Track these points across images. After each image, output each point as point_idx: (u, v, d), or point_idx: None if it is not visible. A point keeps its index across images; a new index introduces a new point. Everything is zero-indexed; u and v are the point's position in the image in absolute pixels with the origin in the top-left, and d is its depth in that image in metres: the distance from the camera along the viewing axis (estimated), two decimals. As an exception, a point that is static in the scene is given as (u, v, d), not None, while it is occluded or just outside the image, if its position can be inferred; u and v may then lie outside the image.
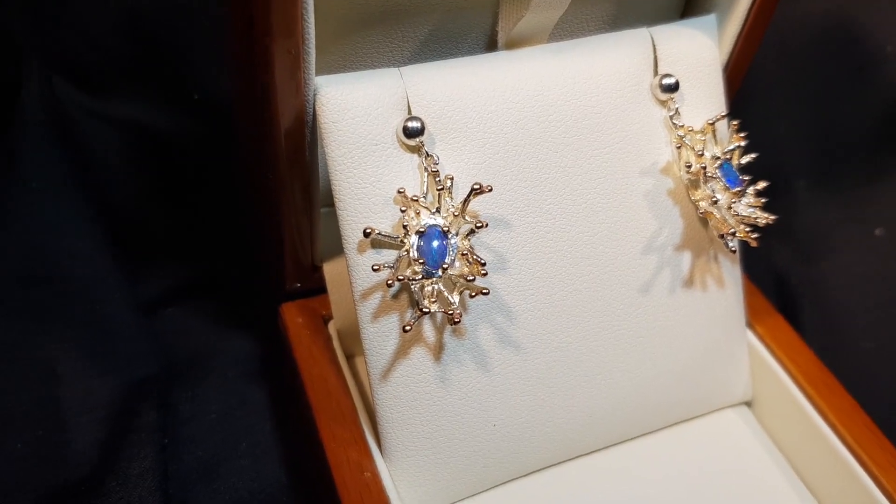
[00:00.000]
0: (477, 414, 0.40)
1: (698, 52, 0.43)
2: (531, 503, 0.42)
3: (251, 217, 0.51)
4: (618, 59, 0.42)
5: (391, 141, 0.38)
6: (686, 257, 0.44)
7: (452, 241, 0.37)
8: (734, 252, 0.42)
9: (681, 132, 0.42)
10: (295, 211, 0.43)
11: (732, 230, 0.40)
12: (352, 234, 0.38)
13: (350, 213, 0.38)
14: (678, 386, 0.45)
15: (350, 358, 0.48)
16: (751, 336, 0.48)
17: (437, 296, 0.37)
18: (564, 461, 0.44)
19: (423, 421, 0.40)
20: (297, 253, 0.45)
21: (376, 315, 0.38)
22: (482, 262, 0.37)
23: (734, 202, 0.41)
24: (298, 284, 0.47)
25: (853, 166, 0.65)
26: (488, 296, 0.38)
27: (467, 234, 0.37)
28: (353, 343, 0.47)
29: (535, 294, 0.41)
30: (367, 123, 0.37)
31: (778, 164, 0.63)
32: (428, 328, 0.39)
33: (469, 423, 0.40)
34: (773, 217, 0.42)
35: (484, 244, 0.40)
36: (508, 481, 0.42)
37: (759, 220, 0.42)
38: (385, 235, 0.37)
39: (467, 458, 0.41)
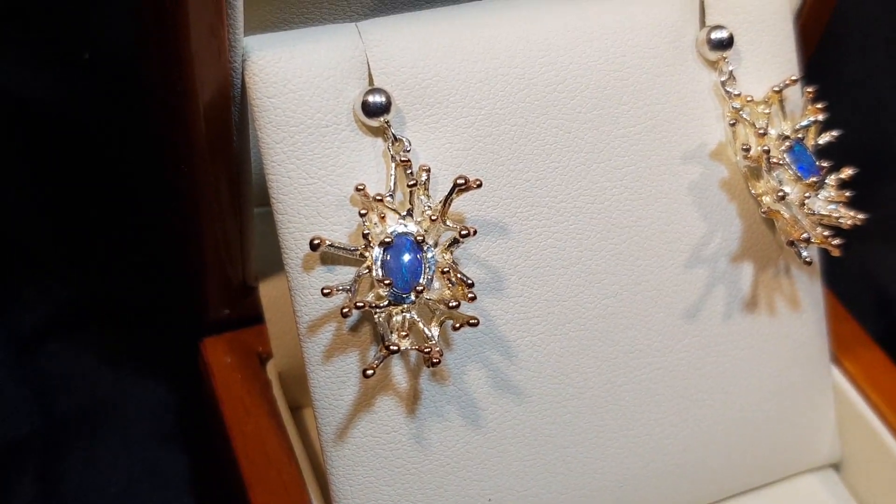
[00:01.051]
0: (465, 485, 0.42)
1: (760, -4, 0.45)
2: None
3: (163, 220, 0.53)
4: (651, 7, 0.44)
5: (346, 121, 0.40)
6: (747, 271, 0.46)
7: (429, 255, 0.39)
8: (809, 264, 0.44)
9: (736, 103, 0.44)
10: (219, 212, 0.45)
11: (805, 235, 0.42)
12: (294, 247, 0.40)
13: (292, 217, 0.39)
14: (739, 443, 0.47)
15: (296, 410, 0.50)
16: (837, 375, 0.50)
17: (409, 328, 0.38)
18: (586, 547, 0.45)
19: (392, 496, 0.42)
20: (224, 268, 0.47)
21: (328, 354, 0.40)
22: (469, 282, 0.39)
23: (808, 196, 0.43)
24: (226, 311, 0.49)
25: None
26: (478, 327, 0.40)
27: (449, 246, 0.39)
28: (299, 390, 0.49)
29: (542, 323, 0.42)
30: (313, 98, 0.39)
31: (878, 143, 0.64)
32: (398, 371, 0.41)
33: (455, 497, 0.42)
34: (861, 216, 0.44)
35: (472, 257, 0.41)
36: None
37: (842, 221, 0.44)
38: (339, 247, 0.39)
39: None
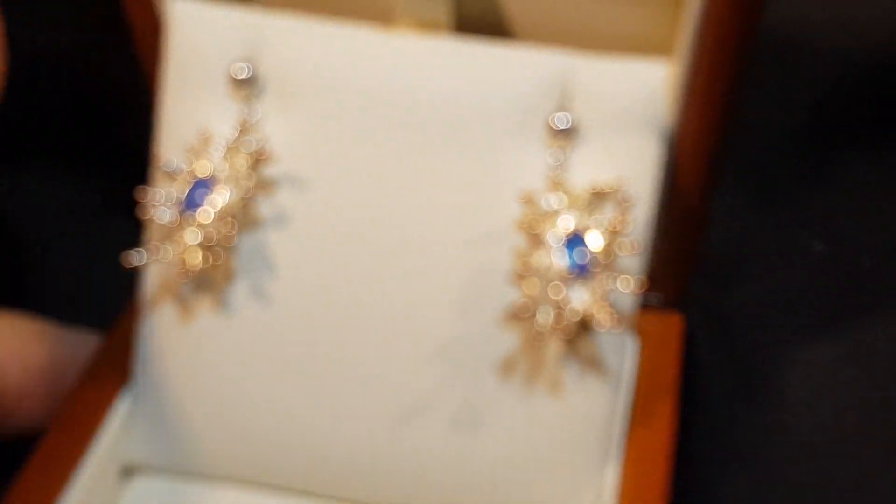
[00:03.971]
0: (221, 389, 0.53)
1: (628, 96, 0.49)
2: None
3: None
4: (521, 72, 0.49)
5: (223, 79, 0.51)
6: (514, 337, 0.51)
7: (217, 197, 0.49)
8: (538, 342, 0.48)
9: (553, 186, 0.49)
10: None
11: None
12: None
13: (166, 143, 0.52)
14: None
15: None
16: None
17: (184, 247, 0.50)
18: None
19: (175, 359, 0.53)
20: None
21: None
22: (231, 231, 0.49)
23: (556, 285, 0.47)
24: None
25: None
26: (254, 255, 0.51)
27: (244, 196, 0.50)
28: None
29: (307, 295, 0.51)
30: (205, 52, 0.51)
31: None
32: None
33: (212, 395, 0.53)
34: (615, 325, 0.47)
35: (276, 214, 0.51)
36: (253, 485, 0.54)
37: (600, 318, 0.47)
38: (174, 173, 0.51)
39: (205, 431, 0.53)
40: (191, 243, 0.49)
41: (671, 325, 0.59)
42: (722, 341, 0.67)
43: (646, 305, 0.60)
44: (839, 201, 0.74)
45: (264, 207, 0.51)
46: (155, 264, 0.52)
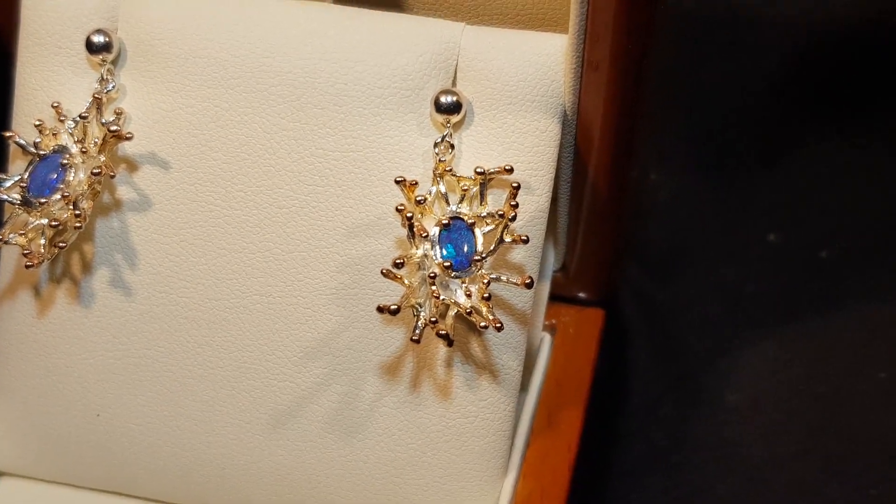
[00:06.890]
0: (77, 392, 0.50)
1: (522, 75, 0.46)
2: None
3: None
4: (401, 49, 0.46)
5: (79, 51, 0.48)
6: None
7: (71, 178, 0.46)
8: (416, 342, 0.45)
9: (438, 169, 0.46)
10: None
11: (394, 306, 0.44)
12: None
13: (20, 116, 0.49)
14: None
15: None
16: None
17: (31, 229, 0.47)
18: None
19: (29, 365, 0.50)
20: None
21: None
22: (79, 213, 0.46)
23: (435, 276, 0.44)
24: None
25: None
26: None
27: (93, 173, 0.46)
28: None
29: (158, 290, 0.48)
30: (59, 23, 0.48)
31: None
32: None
33: (68, 398, 0.50)
34: (497, 326, 0.44)
35: (136, 196, 0.48)
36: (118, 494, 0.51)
37: (474, 319, 0.44)
38: (23, 146, 0.48)
39: (63, 437, 0.50)
40: (34, 226, 0.46)
41: (589, 323, 0.56)
42: (657, 339, 0.63)
43: (569, 301, 0.57)
44: (799, 187, 0.69)
45: (122, 189, 0.48)
46: (11, 251, 0.49)
